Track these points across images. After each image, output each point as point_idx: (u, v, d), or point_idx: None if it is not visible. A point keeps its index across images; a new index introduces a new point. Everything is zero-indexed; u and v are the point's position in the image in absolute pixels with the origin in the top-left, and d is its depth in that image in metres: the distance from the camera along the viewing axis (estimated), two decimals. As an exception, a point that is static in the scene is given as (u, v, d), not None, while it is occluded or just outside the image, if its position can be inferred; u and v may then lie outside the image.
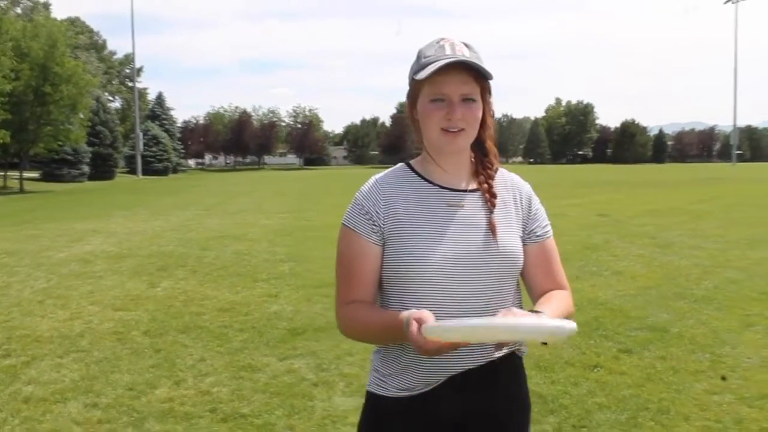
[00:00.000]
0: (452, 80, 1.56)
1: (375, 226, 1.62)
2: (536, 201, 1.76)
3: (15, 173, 36.49)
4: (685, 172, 52.32)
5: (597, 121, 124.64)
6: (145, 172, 55.73)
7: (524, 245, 1.69)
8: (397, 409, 1.64)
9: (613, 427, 3.67)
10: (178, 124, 78.95)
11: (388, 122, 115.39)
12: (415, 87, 1.63)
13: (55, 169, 42.94)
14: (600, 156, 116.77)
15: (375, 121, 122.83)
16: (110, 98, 67.12)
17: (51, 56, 32.36)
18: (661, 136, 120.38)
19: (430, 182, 1.67)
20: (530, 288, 1.73)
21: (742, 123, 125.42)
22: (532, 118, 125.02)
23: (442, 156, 1.65)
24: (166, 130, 64.15)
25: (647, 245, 10.21)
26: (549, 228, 1.76)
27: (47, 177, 43.06)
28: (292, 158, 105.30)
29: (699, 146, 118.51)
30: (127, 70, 72.36)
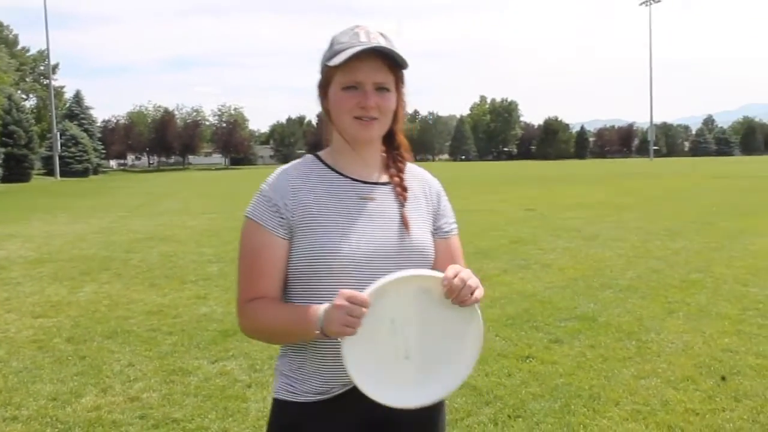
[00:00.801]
0: (366, 68, 1.51)
1: (282, 219, 1.54)
2: (444, 197, 1.76)
3: None
4: (607, 167, 54.16)
5: (521, 119, 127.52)
6: (64, 174, 53.58)
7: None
8: (313, 415, 1.55)
9: (547, 416, 3.74)
10: (98, 124, 76.29)
11: (314, 121, 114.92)
12: (327, 74, 1.56)
13: (-35, 171, 40.81)
14: (524, 153, 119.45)
15: (301, 119, 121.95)
16: (24, 96, 64.27)
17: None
18: (582, 132, 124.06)
19: (341, 174, 1.60)
20: None
21: (658, 120, 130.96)
22: (458, 115, 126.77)
23: (353, 147, 1.60)
24: (86, 130, 61.85)
25: (573, 238, 10.50)
26: (455, 225, 1.76)
27: (-44, 180, 40.88)
28: (217, 158, 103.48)
29: (619, 142, 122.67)
30: (42, 67, 69.39)
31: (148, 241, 11.34)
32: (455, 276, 1.42)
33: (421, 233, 1.61)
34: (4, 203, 24.29)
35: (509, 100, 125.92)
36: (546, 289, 6.82)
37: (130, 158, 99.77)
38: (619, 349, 4.86)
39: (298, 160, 1.66)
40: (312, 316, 1.42)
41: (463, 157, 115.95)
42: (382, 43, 1.52)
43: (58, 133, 54.10)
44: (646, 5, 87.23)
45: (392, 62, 1.54)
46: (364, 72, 1.52)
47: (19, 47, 69.76)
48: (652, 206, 16.25)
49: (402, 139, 1.68)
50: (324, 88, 1.59)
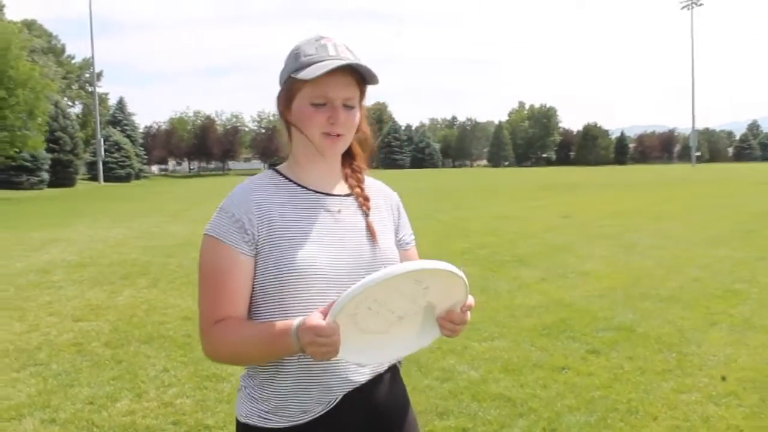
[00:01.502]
0: (337, 84, 1.48)
1: (247, 235, 1.47)
2: (403, 209, 1.76)
3: (-30, 181, 35.56)
4: (647, 173, 53.22)
5: (560, 125, 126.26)
6: (107, 179, 54.77)
7: None
8: None
9: (582, 429, 3.66)
10: (140, 130, 77.79)
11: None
12: (294, 87, 1.51)
13: (13, 176, 41.91)
14: (563, 159, 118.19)
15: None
16: (70, 103, 65.88)
17: (4, 59, 31.57)
18: (622, 138, 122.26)
19: (305, 187, 1.57)
20: None
21: (700, 126, 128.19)
22: (496, 121, 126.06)
23: (317, 160, 1.56)
24: (128, 136, 63.15)
25: (611, 246, 10.32)
26: (413, 236, 1.77)
27: (4, 185, 42.00)
28: (257, 163, 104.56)
29: (660, 148, 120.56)
30: (87, 75, 71.08)
31: (186, 246, 11.47)
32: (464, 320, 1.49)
33: (388, 243, 1.61)
34: (50, 208, 24.89)
35: (548, 105, 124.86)
36: (583, 298, 6.71)
37: (171, 163, 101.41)
38: (658, 362, 4.74)
39: (257, 175, 1.60)
40: (285, 337, 1.35)
41: (507, 163, 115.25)
42: (350, 57, 1.50)
43: (102, 139, 55.33)
44: (688, 8, 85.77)
45: (360, 78, 1.52)
46: (334, 88, 1.49)
47: (65, 56, 71.56)
48: (694, 213, 15.90)
49: (357, 149, 1.66)
50: (288, 100, 1.54)
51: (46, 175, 44.67)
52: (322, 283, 1.46)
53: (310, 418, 1.48)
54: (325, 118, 1.49)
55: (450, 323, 1.48)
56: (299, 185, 1.57)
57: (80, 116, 66.32)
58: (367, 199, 1.62)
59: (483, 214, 16.81)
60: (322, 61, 1.46)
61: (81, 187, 46.68)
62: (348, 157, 1.65)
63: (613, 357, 4.86)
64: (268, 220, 1.48)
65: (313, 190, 1.57)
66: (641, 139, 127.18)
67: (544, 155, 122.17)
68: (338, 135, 1.52)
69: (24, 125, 33.47)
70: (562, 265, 8.69)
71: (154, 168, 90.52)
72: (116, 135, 59.77)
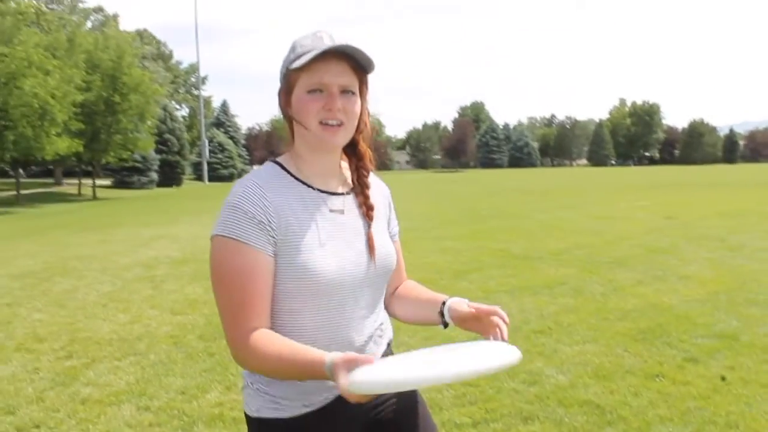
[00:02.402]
0: (331, 69, 1.45)
1: (270, 236, 1.43)
2: (392, 202, 1.80)
3: (88, 181, 37.93)
4: (758, 172, 50.22)
5: (663, 122, 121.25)
6: (212, 179, 57.00)
7: None
8: (304, 426, 1.51)
9: (675, 441, 3.48)
10: (243, 131, 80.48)
11: (449, 126, 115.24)
12: (291, 79, 1.49)
13: (126, 176, 44.41)
14: (667, 157, 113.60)
15: (437, 125, 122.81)
16: (177, 106, 69.06)
17: (119, 67, 33.51)
18: (731, 135, 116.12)
19: (309, 186, 1.54)
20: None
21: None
22: (596, 119, 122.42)
23: (317, 154, 1.54)
24: (231, 137, 65.45)
25: (717, 248, 9.79)
26: (398, 228, 1.82)
27: (118, 184, 44.61)
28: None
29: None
30: (193, 79, 74.32)
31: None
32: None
33: (386, 242, 1.64)
34: (158, 206, 26.20)
35: (650, 102, 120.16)
36: (683, 303, 6.39)
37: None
38: (763, 373, 4.44)
39: (262, 171, 1.55)
40: (318, 371, 1.33)
41: (613, 162, 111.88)
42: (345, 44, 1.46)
43: (207, 141, 57.65)
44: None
45: (357, 65, 1.49)
46: (330, 74, 1.46)
47: (173, 61, 75.10)
48: (812, 215, 14.83)
49: (365, 148, 1.63)
50: (287, 94, 1.52)
51: (155, 175, 46.99)
52: (328, 287, 1.47)
53: (322, 404, 1.51)
54: (320, 105, 1.47)
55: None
56: (304, 183, 1.54)
57: (186, 119, 69.44)
58: (371, 208, 1.61)
59: (582, 214, 16.35)
60: (317, 49, 1.44)
61: (187, 187, 48.83)
62: (354, 157, 1.63)
63: (712, 366, 4.59)
64: (285, 222, 1.46)
65: (318, 189, 1.55)
66: (752, 135, 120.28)
67: (647, 154, 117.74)
68: (339, 124, 1.49)
69: (135, 128, 35.41)
70: (661, 267, 8.31)
71: (256, 167, 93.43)
72: (220, 136, 62.08)
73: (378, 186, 1.73)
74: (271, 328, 1.46)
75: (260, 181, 1.50)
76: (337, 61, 1.47)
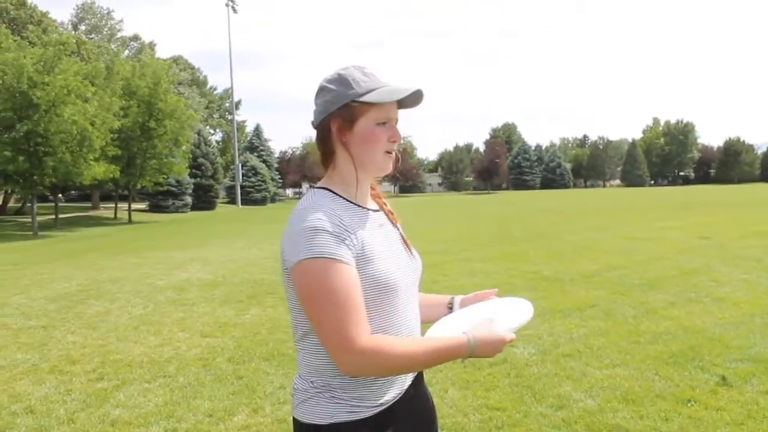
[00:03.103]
0: (394, 106, 1.65)
1: (352, 252, 1.56)
2: None
3: (124, 205, 38.65)
4: (800, 191, 49.08)
5: (698, 140, 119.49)
6: (245, 202, 57.64)
7: None
8: (377, 425, 1.62)
9: (707, 467, 3.40)
10: (276, 155, 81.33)
11: (481, 147, 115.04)
12: (356, 111, 1.62)
13: (161, 200, 45.17)
14: (703, 177, 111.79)
15: (469, 147, 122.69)
16: (211, 131, 70.17)
17: (155, 93, 34.24)
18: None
19: (359, 206, 1.69)
20: None
21: None
22: (629, 139, 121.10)
23: (367, 179, 1.71)
24: (264, 161, 66.19)
25: (753, 269, 9.59)
26: None
27: (153, 208, 45.36)
28: (387, 186, 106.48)
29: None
30: (227, 104, 75.46)
31: (311, 266, 11.81)
32: None
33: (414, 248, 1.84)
34: (191, 229, 26.56)
35: (684, 121, 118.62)
36: (717, 326, 6.26)
37: (304, 187, 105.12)
38: (799, 397, 4.32)
39: (319, 196, 1.65)
40: (461, 350, 1.55)
41: (652, 182, 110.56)
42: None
43: (240, 164, 58.39)
44: None
45: (399, 102, 1.67)
46: (394, 109, 1.66)
47: (208, 87, 76.44)
48: None
49: None
50: (350, 123, 1.63)
51: (189, 199, 47.70)
52: (395, 292, 1.63)
53: (391, 402, 1.64)
54: (387, 136, 1.65)
55: None
56: (355, 204, 1.68)
57: (220, 143, 70.47)
58: (393, 213, 1.81)
59: (614, 235, 16.15)
60: (383, 86, 1.62)
61: (220, 210, 49.43)
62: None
63: (746, 391, 4.48)
64: (359, 239, 1.58)
65: (365, 208, 1.71)
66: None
67: (682, 173, 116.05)
68: (393, 152, 1.68)
69: (170, 153, 36.04)
70: (694, 289, 8.16)
71: (289, 191, 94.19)
72: (253, 160, 62.84)
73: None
74: None
75: (326, 205, 1.61)
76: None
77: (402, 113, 1.69)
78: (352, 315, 1.51)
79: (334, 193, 1.67)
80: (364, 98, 1.59)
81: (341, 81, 1.63)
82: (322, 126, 1.67)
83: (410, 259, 1.75)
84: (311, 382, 1.62)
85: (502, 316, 1.72)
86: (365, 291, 1.56)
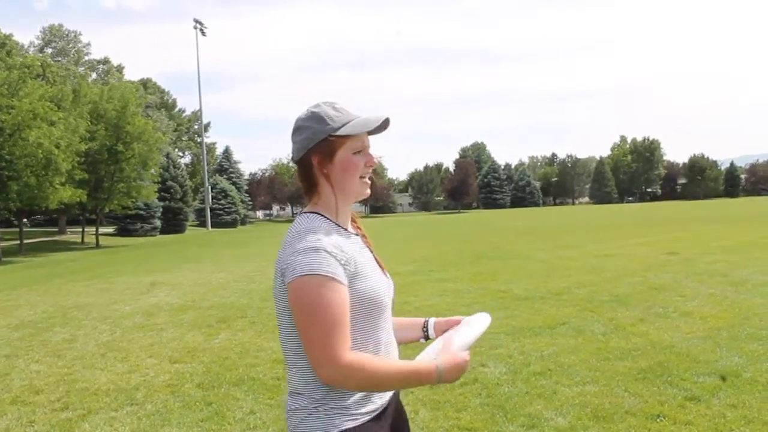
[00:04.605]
0: (365, 134, 1.78)
1: (345, 272, 1.66)
2: None
3: (92, 229, 38.07)
4: (760, 206, 50.21)
5: (664, 157, 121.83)
6: (215, 225, 57.20)
7: None
8: (375, 429, 1.73)
9: (677, 483, 3.42)
10: (245, 177, 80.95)
11: (451, 167, 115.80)
12: (335, 144, 1.74)
13: (129, 224, 44.61)
14: (669, 193, 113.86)
15: (439, 167, 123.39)
16: (180, 154, 69.63)
17: (123, 116, 33.95)
18: (732, 169, 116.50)
19: (345, 229, 1.81)
20: None
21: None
22: (597, 157, 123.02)
23: (349, 204, 1.83)
24: (234, 183, 65.90)
25: (719, 283, 9.75)
26: None
27: (122, 232, 44.78)
28: (357, 206, 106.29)
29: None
30: (196, 126, 75.06)
31: (282, 288, 11.73)
32: None
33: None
34: (160, 253, 26.22)
35: (651, 138, 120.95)
36: (684, 341, 6.33)
37: (275, 209, 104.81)
38: (766, 411, 4.38)
39: (313, 220, 1.76)
40: (431, 376, 1.67)
41: (631, 198, 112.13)
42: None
43: (210, 187, 58.02)
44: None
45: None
46: (366, 137, 1.79)
47: (176, 109, 76.01)
48: (815, 248, 14.77)
49: None
50: (330, 155, 1.76)
51: (158, 222, 47.21)
52: (382, 310, 1.75)
53: (384, 407, 1.77)
54: (363, 163, 1.78)
55: None
56: (342, 227, 1.80)
57: (189, 165, 69.94)
58: (366, 237, 1.91)
59: (584, 253, 16.32)
60: (355, 118, 1.76)
61: (190, 233, 48.95)
62: None
63: (714, 405, 4.53)
64: (352, 259, 1.69)
65: (349, 231, 1.83)
66: (754, 169, 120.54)
67: (649, 190, 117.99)
68: (368, 177, 1.81)
69: (138, 176, 35.67)
70: (663, 304, 8.26)
71: (259, 213, 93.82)
72: (223, 182, 62.55)
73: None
74: None
75: (321, 227, 1.73)
76: None
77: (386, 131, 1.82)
78: (340, 331, 1.61)
79: (324, 216, 1.79)
80: (341, 132, 1.73)
81: (316, 118, 1.76)
82: (303, 161, 1.79)
83: (387, 280, 1.84)
84: (312, 397, 1.69)
85: (459, 336, 1.84)
86: (356, 308, 1.67)
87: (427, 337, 2.02)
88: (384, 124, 1.78)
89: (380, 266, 1.85)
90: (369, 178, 1.82)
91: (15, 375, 6.36)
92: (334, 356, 1.60)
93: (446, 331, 1.97)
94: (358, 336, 1.70)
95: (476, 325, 1.92)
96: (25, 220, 36.99)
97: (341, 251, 1.67)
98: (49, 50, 58.89)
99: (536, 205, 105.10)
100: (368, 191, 1.82)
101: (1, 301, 12.14)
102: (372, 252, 1.88)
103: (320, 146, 1.76)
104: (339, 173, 1.76)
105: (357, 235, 1.87)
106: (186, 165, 66.85)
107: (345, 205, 1.82)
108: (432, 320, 2.05)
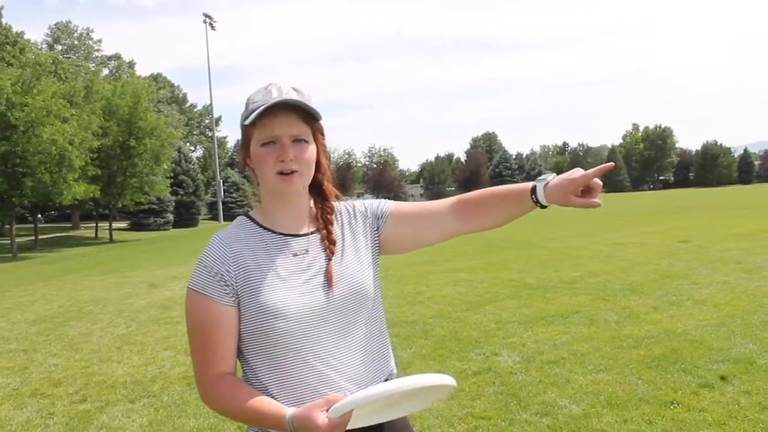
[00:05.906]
0: (281, 122, 1.53)
1: (227, 286, 1.52)
2: (368, 203, 1.77)
3: (105, 224, 38.35)
4: (777, 192, 49.77)
5: (677, 145, 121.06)
6: (227, 218, 57.34)
7: (389, 226, 1.72)
8: None
9: (690, 469, 3.43)
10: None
11: (463, 158, 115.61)
12: (247, 134, 1.58)
13: (142, 218, 44.90)
14: (682, 181, 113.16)
15: (450, 157, 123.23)
16: (192, 148, 69.91)
17: (135, 112, 34.14)
18: (746, 156, 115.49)
19: (274, 231, 1.62)
20: (439, 221, 1.76)
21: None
22: (609, 145, 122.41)
23: (281, 202, 1.62)
24: (245, 176, 65.96)
25: (732, 271, 9.70)
26: (388, 201, 1.78)
27: (135, 226, 45.08)
28: (369, 197, 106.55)
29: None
30: (207, 121, 75.29)
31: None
32: None
33: (353, 271, 1.62)
34: (174, 247, 26.38)
35: (663, 126, 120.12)
36: (698, 328, 6.33)
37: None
38: (780, 396, 4.38)
39: (233, 224, 1.66)
40: (282, 425, 1.42)
41: (652, 186, 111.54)
42: (293, 96, 1.53)
43: (221, 180, 58.17)
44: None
45: (306, 114, 1.56)
46: (280, 126, 1.53)
47: (187, 104, 76.24)
48: (830, 234, 14.67)
49: (329, 188, 1.71)
50: (246, 147, 1.61)
51: (171, 216, 47.47)
52: (290, 323, 1.50)
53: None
54: (275, 157, 1.53)
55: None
56: (268, 229, 1.62)
57: (201, 159, 70.20)
58: (332, 242, 1.63)
59: (596, 241, 16.27)
60: (265, 104, 1.51)
61: (202, 227, 49.18)
62: (319, 197, 1.70)
63: (728, 391, 4.53)
64: (243, 269, 1.54)
65: (282, 233, 1.62)
66: (767, 155, 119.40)
67: (662, 178, 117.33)
68: (292, 172, 1.55)
69: (151, 171, 35.89)
70: (676, 292, 8.24)
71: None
72: (234, 176, 62.66)
73: (351, 212, 1.75)
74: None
75: (226, 235, 1.61)
76: (285, 113, 1.54)
77: (396, 122, 1.60)
78: (209, 351, 1.52)
79: (251, 219, 1.66)
80: (246, 121, 1.54)
81: (245, 103, 1.60)
82: (239, 152, 1.68)
83: (325, 292, 1.56)
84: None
85: (365, 391, 1.38)
86: (251, 320, 1.51)
87: (543, 206, 1.62)
88: (312, 112, 1.55)
89: (328, 280, 1.57)
90: (291, 173, 1.54)
91: (34, 368, 6.45)
92: (200, 376, 1.54)
93: (568, 194, 1.59)
94: (258, 364, 1.54)
95: (402, 383, 1.36)
96: (39, 215, 37.28)
97: (228, 263, 1.53)
98: (59, 47, 59.21)
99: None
100: (288, 189, 1.56)
101: (18, 296, 12.28)
102: (329, 258, 1.60)
103: (242, 137, 1.62)
104: (256, 167, 1.59)
105: (305, 236, 1.63)
106: (198, 159, 67.13)
107: (275, 202, 1.62)
108: (540, 185, 1.61)
